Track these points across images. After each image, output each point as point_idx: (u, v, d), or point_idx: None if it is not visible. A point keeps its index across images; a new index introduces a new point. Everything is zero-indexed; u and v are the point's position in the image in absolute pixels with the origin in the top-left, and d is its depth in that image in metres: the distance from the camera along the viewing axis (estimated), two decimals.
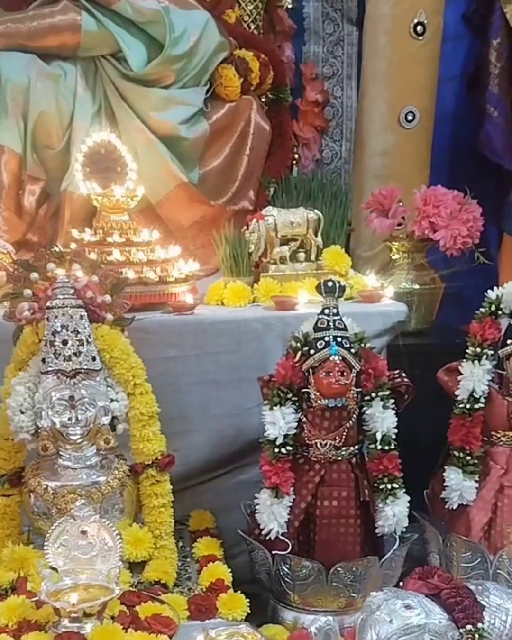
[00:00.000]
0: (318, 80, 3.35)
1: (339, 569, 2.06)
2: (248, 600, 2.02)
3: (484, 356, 2.24)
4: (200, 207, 2.69)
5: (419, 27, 3.09)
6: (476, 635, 1.70)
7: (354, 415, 2.13)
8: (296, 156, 3.23)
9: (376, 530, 2.18)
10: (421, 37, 3.10)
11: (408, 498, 2.19)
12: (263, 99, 2.92)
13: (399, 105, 3.16)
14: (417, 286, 2.99)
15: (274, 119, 2.88)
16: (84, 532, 1.73)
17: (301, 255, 2.53)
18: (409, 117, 3.17)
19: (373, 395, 2.12)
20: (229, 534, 2.29)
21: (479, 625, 1.71)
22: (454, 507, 2.30)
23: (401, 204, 2.98)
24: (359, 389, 2.13)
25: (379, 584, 2.03)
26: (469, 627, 1.71)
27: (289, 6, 3.11)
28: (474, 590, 1.80)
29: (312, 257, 2.54)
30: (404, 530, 2.19)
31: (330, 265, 2.51)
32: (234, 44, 2.72)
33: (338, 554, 2.11)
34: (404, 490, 2.19)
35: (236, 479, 2.47)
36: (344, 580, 2.07)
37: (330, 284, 2.07)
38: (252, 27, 2.95)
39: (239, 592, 2.03)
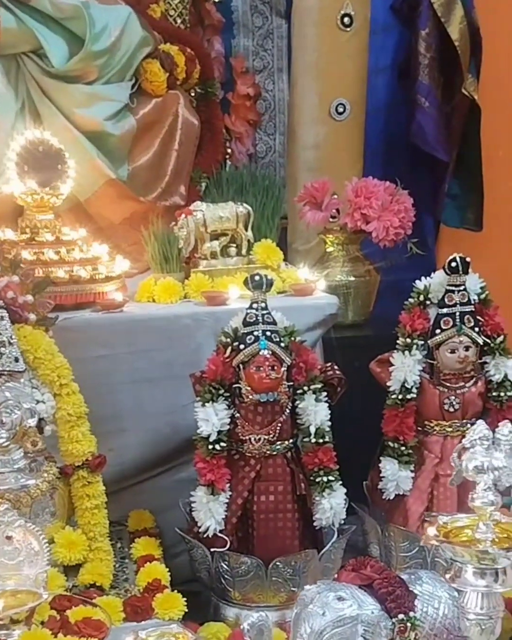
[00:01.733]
0: (249, 74, 3.34)
1: (278, 563, 2.05)
2: (190, 598, 2.00)
3: (414, 346, 2.25)
4: (130, 204, 2.66)
5: (346, 19, 3.09)
6: (408, 624, 1.71)
7: (287, 410, 2.12)
8: (229, 150, 3.21)
9: (314, 524, 2.17)
10: (348, 29, 3.10)
11: (345, 490, 2.19)
12: (193, 94, 2.89)
13: (329, 97, 3.16)
14: (352, 278, 3.00)
15: (203, 114, 2.85)
16: (9, 538, 1.70)
17: (232, 250, 2.51)
18: (340, 109, 3.18)
19: (305, 388, 2.12)
20: (170, 533, 2.27)
21: (411, 614, 1.72)
22: (391, 498, 2.31)
23: (335, 196, 2.98)
24: (291, 383, 2.12)
25: (319, 577, 2.03)
26: (401, 616, 1.71)
27: (216, 0, 3.09)
28: (407, 579, 1.81)
29: (244, 251, 2.52)
30: (343, 522, 2.19)
31: (262, 259, 2.50)
32: (159, 39, 2.69)
33: (277, 549, 2.11)
34: (340, 482, 2.19)
35: (175, 477, 2.45)
36: (283, 575, 2.07)
37: (257, 278, 2.06)
38: (179, 21, 2.92)
39: (176, 591, 2.01)
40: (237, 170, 2.93)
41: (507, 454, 1.52)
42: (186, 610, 1.98)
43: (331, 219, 2.98)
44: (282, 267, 2.59)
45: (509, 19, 3.60)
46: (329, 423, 2.17)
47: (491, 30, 3.44)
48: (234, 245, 2.52)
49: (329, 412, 2.17)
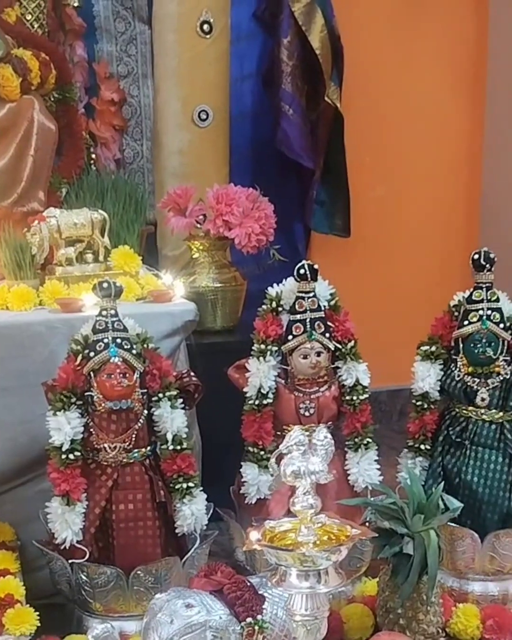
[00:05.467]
0: (113, 79, 3.31)
1: (139, 572, 2.05)
2: (54, 611, 1.99)
3: (269, 352, 2.28)
4: None
5: (205, 26, 3.10)
6: (256, 627, 1.73)
7: (142, 417, 2.12)
8: (94, 156, 3.17)
9: (176, 531, 2.17)
10: (208, 36, 3.11)
11: (205, 496, 2.21)
12: (51, 99, 2.85)
13: (191, 103, 3.16)
14: (219, 284, 3.01)
15: (62, 119, 2.81)
16: None
17: (89, 256, 2.49)
18: (203, 116, 3.18)
19: (160, 395, 2.13)
20: (33, 545, 2.22)
21: (259, 617, 1.74)
22: (253, 502, 2.34)
23: (201, 202, 2.98)
24: (145, 390, 2.12)
25: (184, 584, 2.02)
26: (249, 620, 1.73)
27: (76, 5, 3.04)
28: (258, 582, 1.84)
29: (101, 257, 2.50)
30: (205, 527, 2.20)
31: (119, 265, 2.48)
32: (12, 43, 2.64)
33: (138, 557, 2.10)
34: (201, 488, 2.20)
35: (37, 488, 2.39)
36: (145, 584, 2.06)
37: (105, 285, 2.05)
38: (36, 25, 2.87)
39: (31, 605, 1.97)
40: (99, 175, 2.89)
41: (323, 458, 1.57)
42: (39, 624, 1.94)
43: (197, 225, 2.98)
44: (142, 273, 2.57)
45: (370, 27, 3.68)
46: (186, 430, 2.17)
47: (353, 39, 3.51)
48: (91, 251, 2.49)
49: (186, 419, 2.18)
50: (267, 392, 2.29)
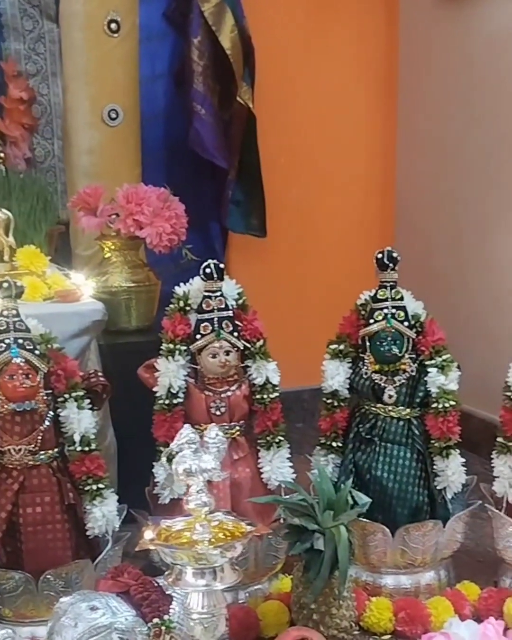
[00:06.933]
0: (21, 78, 3.26)
1: (48, 576, 2.02)
2: None
3: (177, 352, 2.27)
4: None
5: (112, 25, 3.07)
6: (163, 627, 1.72)
7: (48, 418, 2.09)
8: (2, 155, 3.12)
9: (87, 533, 2.15)
10: (116, 35, 3.08)
11: (116, 497, 2.19)
12: None
13: (101, 103, 3.13)
14: (132, 284, 2.98)
15: None
16: None
17: None
18: (113, 115, 3.16)
19: (66, 396, 2.10)
20: None
21: (166, 617, 1.73)
22: (167, 502, 2.32)
23: (114, 201, 2.96)
24: (50, 391, 2.09)
25: None
26: (155, 620, 1.72)
27: None
28: (164, 582, 1.82)
29: (6, 257, 2.46)
30: (118, 529, 2.18)
31: (25, 265, 2.45)
32: None
33: (48, 561, 2.07)
34: (112, 489, 2.18)
35: None
36: (55, 588, 2.03)
37: (5, 285, 2.01)
38: None
39: None
40: (7, 175, 2.85)
41: (215, 456, 1.57)
42: None
43: (109, 225, 2.95)
44: (50, 273, 2.54)
45: (280, 27, 3.69)
46: (95, 430, 2.15)
47: (265, 39, 3.52)
48: None
49: (95, 419, 2.16)
50: (177, 392, 2.28)
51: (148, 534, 1.54)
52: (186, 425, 1.69)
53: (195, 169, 3.58)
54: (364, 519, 2.24)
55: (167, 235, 2.83)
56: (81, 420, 2.11)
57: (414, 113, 3.85)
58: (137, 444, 2.48)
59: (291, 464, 2.37)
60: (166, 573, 1.60)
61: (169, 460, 1.62)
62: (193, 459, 1.55)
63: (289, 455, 2.37)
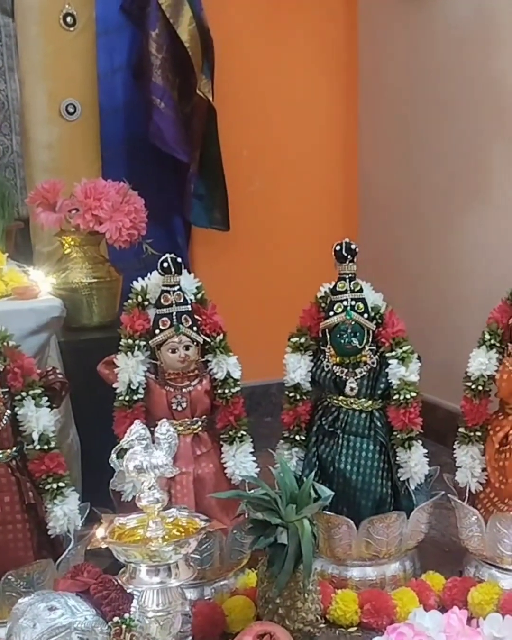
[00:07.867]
0: None
1: (9, 577, 1.99)
2: None
3: (137, 347, 2.25)
4: None
5: (68, 18, 3.05)
6: (124, 626, 1.70)
7: (5, 417, 2.06)
8: None
9: (49, 532, 2.13)
10: (72, 29, 3.06)
11: (78, 495, 2.17)
12: None
13: (58, 97, 3.11)
14: (93, 280, 2.96)
15: None
16: None
17: None
18: (70, 109, 3.13)
19: (23, 394, 2.07)
20: None
21: (126, 615, 1.71)
22: (130, 499, 2.30)
23: (73, 196, 2.93)
24: (7, 389, 2.06)
25: None
26: (116, 619, 1.70)
27: None
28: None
29: None
30: (80, 527, 2.16)
31: None
32: None
33: (9, 562, 2.04)
34: (72, 488, 2.16)
35: None
36: (17, 588, 2.00)
37: None
38: None
39: None
40: None
41: (167, 452, 1.55)
42: None
43: (69, 220, 2.92)
44: (7, 269, 2.51)
45: (239, 19, 3.67)
46: (54, 428, 2.12)
47: (224, 31, 3.49)
48: None
49: (53, 417, 2.13)
50: (137, 388, 2.26)
51: (100, 532, 1.52)
52: (136, 421, 1.67)
53: (156, 163, 3.55)
54: (329, 512, 2.24)
55: (126, 230, 2.81)
56: (39, 418, 2.09)
57: (375, 105, 3.85)
58: (100, 442, 2.44)
59: (254, 459, 2.35)
60: (121, 571, 1.58)
61: (119, 457, 1.60)
62: (144, 455, 1.53)
63: (252, 450, 2.36)
